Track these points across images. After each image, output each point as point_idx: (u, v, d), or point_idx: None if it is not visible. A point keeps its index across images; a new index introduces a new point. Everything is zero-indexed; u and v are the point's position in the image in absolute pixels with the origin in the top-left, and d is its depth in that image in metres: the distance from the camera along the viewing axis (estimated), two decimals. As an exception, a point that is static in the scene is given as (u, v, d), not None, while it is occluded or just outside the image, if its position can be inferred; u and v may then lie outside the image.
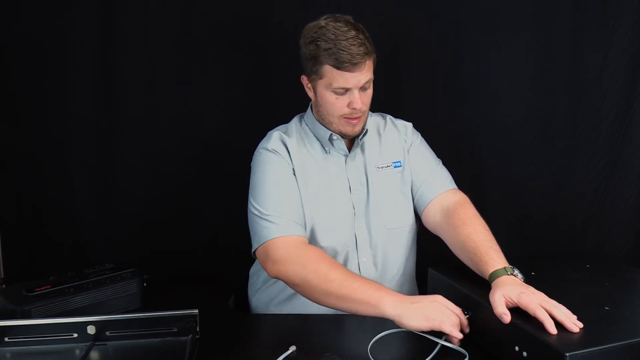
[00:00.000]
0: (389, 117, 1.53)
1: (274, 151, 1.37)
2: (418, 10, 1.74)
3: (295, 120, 1.48)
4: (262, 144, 1.42)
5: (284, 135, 1.40)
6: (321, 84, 1.32)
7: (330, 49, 1.26)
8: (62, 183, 1.81)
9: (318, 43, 1.28)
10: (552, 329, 0.95)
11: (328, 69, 1.28)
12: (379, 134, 1.48)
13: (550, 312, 0.98)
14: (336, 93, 1.31)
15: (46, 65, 1.76)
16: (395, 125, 1.50)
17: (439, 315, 1.06)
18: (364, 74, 1.29)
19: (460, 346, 1.06)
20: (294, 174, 1.37)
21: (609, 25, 1.69)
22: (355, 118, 1.34)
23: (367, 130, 1.42)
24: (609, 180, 1.76)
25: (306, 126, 1.45)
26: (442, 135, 1.74)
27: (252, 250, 1.33)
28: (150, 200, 1.83)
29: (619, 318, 1.03)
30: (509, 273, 1.11)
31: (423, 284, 1.34)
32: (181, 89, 1.79)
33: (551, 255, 1.56)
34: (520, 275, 1.12)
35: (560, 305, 1.00)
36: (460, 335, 1.06)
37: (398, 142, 1.47)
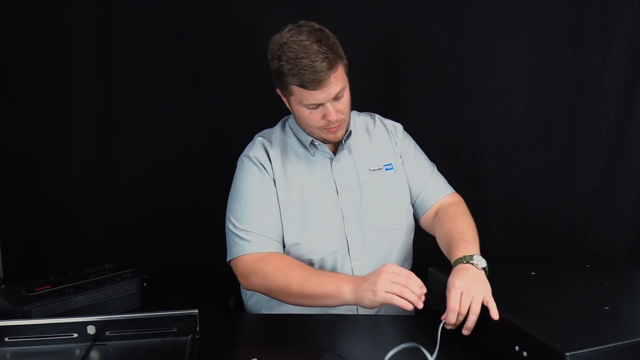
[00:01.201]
0: (377, 116, 1.51)
1: (255, 160, 1.36)
2: (418, 10, 1.74)
3: (279, 125, 1.46)
4: (245, 150, 1.41)
5: (266, 142, 1.39)
6: (293, 100, 1.30)
7: (292, 69, 1.21)
8: (62, 183, 1.82)
9: (281, 62, 1.22)
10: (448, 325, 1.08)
11: (295, 88, 1.25)
12: (369, 133, 1.47)
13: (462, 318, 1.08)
14: (309, 108, 1.28)
15: (46, 65, 1.76)
16: (384, 125, 1.49)
17: (387, 287, 1.11)
18: (333, 87, 1.23)
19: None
20: (274, 184, 1.36)
21: (609, 25, 1.69)
22: (335, 127, 1.31)
23: (350, 132, 1.39)
24: (609, 180, 1.76)
25: (290, 130, 1.43)
26: (442, 135, 1.74)
27: (227, 261, 1.35)
28: (150, 201, 1.83)
29: (619, 318, 1.03)
30: (465, 261, 1.16)
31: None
32: (181, 88, 1.79)
33: (551, 255, 1.56)
34: (480, 264, 1.15)
35: (475, 316, 1.07)
36: (410, 307, 1.09)
37: (388, 143, 1.46)
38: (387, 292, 1.11)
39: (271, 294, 1.27)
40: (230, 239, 1.33)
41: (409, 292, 1.11)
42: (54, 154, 1.80)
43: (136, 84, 1.78)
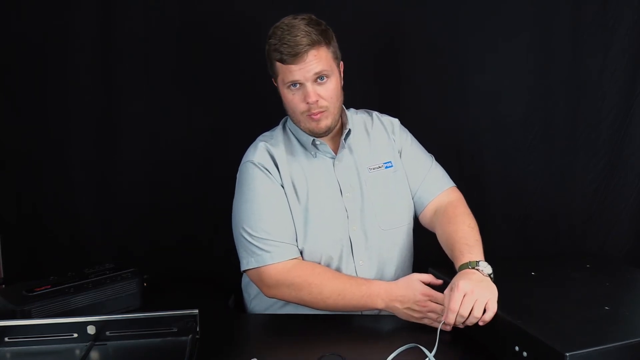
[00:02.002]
0: (375, 113, 1.51)
1: (260, 166, 1.35)
2: (418, 10, 1.74)
3: (279, 127, 1.45)
4: (248, 156, 1.39)
5: (269, 146, 1.38)
6: (279, 83, 1.32)
7: (276, 44, 1.26)
8: (62, 183, 1.81)
9: (270, 41, 1.29)
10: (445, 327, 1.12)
11: (278, 65, 1.29)
12: (367, 132, 1.46)
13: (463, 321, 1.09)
14: (291, 89, 1.30)
15: (46, 65, 1.76)
16: (382, 122, 1.48)
17: (419, 316, 1.21)
18: (311, 65, 1.25)
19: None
20: (283, 187, 1.35)
21: (609, 25, 1.68)
22: (316, 113, 1.30)
23: (350, 130, 1.39)
24: (609, 180, 1.75)
25: (289, 132, 1.42)
26: (441, 135, 1.74)
27: (242, 269, 1.34)
28: (150, 201, 1.83)
29: (619, 318, 1.03)
30: (471, 267, 1.16)
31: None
32: (181, 88, 1.79)
33: (551, 255, 1.57)
34: (485, 270, 1.15)
35: (475, 319, 1.07)
36: (436, 325, 1.15)
37: (387, 141, 1.46)
38: (418, 319, 1.21)
39: (302, 304, 1.29)
40: (247, 248, 1.31)
41: (427, 320, 1.20)
42: (54, 154, 1.80)
43: (136, 84, 1.78)
